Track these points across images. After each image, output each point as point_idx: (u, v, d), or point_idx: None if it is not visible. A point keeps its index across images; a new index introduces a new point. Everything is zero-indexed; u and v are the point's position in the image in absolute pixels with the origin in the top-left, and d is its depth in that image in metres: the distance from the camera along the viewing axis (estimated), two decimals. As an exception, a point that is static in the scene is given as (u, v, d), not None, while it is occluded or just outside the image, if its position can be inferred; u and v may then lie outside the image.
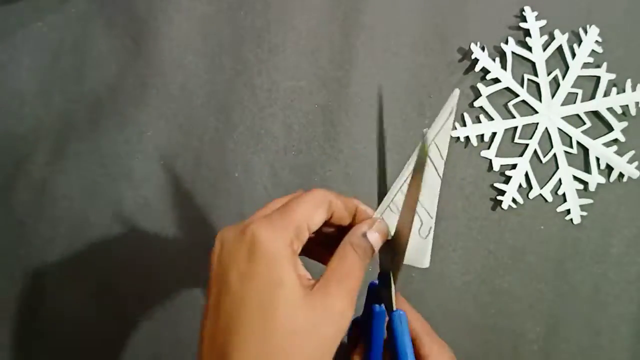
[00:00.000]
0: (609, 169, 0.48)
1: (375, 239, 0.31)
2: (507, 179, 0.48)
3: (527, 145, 0.48)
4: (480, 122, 0.48)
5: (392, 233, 0.33)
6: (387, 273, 0.34)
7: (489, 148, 0.48)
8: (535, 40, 0.48)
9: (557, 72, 0.48)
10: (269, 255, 0.27)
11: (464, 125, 0.48)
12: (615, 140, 0.48)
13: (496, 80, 0.48)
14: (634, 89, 0.48)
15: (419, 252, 0.34)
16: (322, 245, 0.33)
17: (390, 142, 0.48)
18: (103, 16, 0.49)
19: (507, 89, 0.48)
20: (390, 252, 0.33)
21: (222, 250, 0.29)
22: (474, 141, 0.48)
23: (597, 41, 0.48)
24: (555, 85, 0.49)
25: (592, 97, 0.49)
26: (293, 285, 0.27)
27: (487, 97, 0.48)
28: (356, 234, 0.31)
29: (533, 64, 0.48)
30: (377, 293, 0.36)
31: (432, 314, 0.47)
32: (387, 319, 0.35)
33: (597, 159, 0.48)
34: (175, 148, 0.48)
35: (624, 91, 0.48)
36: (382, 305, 0.36)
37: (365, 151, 0.48)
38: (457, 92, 0.32)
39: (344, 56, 0.48)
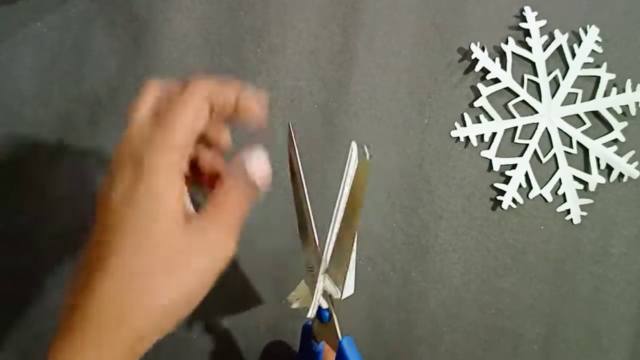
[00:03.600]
0: (609, 169, 0.48)
1: (259, 172, 0.29)
2: (507, 179, 0.48)
3: (527, 145, 0.48)
4: (480, 122, 0.48)
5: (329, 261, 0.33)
6: (326, 308, 0.34)
7: (489, 148, 0.48)
8: (535, 40, 0.48)
9: (557, 72, 0.48)
10: (152, 180, 0.26)
11: (464, 125, 0.48)
12: (615, 141, 0.48)
13: (496, 80, 0.48)
14: (634, 89, 0.48)
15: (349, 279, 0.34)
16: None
17: (391, 143, 0.48)
18: (103, 16, 0.49)
19: (507, 89, 0.48)
20: (331, 279, 0.33)
21: (112, 167, 0.28)
22: (474, 141, 0.48)
23: (597, 41, 0.48)
24: (555, 85, 0.49)
25: (592, 97, 0.49)
26: (174, 213, 0.26)
27: (487, 97, 0.48)
28: (239, 166, 0.29)
29: (533, 64, 0.48)
30: (311, 332, 0.36)
31: (432, 314, 0.47)
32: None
33: (597, 159, 0.48)
34: (175, 148, 0.48)
35: (624, 91, 0.48)
36: (322, 343, 0.36)
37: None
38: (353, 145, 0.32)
39: (344, 56, 0.48)
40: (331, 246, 0.32)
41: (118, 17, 0.49)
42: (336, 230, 0.32)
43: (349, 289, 0.34)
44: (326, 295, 0.33)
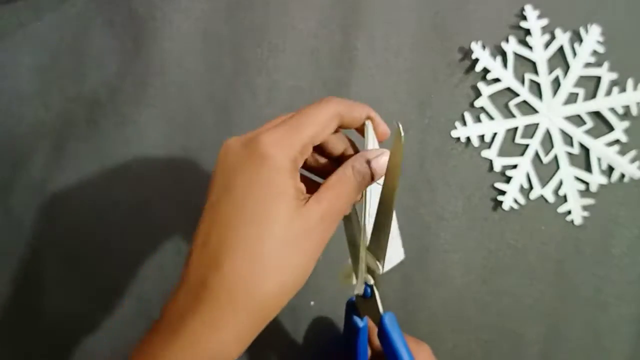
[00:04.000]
0: (611, 169, 0.48)
1: (379, 167, 0.31)
2: (508, 179, 0.48)
3: (528, 145, 0.48)
4: (480, 122, 0.48)
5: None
6: (369, 284, 0.34)
7: (489, 148, 0.48)
8: (537, 40, 0.48)
9: (558, 71, 0.48)
10: (273, 168, 0.28)
11: (465, 125, 0.48)
12: (617, 141, 0.48)
13: (497, 80, 0.48)
14: (635, 88, 0.48)
15: (393, 250, 0.34)
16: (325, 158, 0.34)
17: (391, 143, 0.48)
18: (102, 16, 0.48)
19: (508, 88, 0.48)
20: (372, 252, 0.34)
21: (227, 157, 0.30)
22: (474, 141, 0.48)
23: (598, 40, 0.48)
24: (556, 84, 0.48)
25: (594, 96, 0.48)
26: (291, 199, 0.28)
27: (488, 96, 0.48)
28: (360, 159, 0.31)
29: (534, 63, 0.48)
30: (355, 308, 0.37)
31: (433, 314, 0.47)
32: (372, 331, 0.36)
33: (599, 159, 0.48)
34: (175, 148, 0.48)
35: (625, 91, 0.48)
36: (365, 319, 0.36)
37: (366, 151, 0.48)
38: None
39: (344, 56, 0.48)
40: (370, 223, 0.33)
41: (117, 17, 0.49)
42: (373, 207, 0.32)
43: (392, 260, 0.34)
44: (370, 270, 0.34)
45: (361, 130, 0.33)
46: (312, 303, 0.47)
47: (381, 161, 0.31)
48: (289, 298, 0.28)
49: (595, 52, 0.48)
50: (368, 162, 0.31)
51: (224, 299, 0.27)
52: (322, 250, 0.29)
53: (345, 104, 0.31)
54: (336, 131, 0.32)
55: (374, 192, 0.33)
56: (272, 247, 0.27)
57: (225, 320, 0.27)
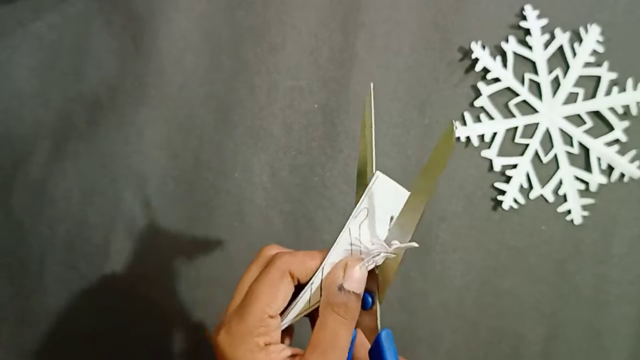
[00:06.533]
0: (610, 169, 0.48)
1: (355, 285, 0.29)
2: (508, 179, 0.48)
3: (527, 145, 0.48)
4: (480, 121, 0.48)
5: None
6: (371, 293, 0.31)
7: (489, 148, 0.48)
8: (536, 39, 0.48)
9: (558, 71, 0.48)
10: None
11: (465, 124, 0.48)
12: (617, 140, 0.48)
13: (497, 80, 0.48)
14: (635, 88, 0.48)
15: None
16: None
17: (391, 143, 0.48)
18: (102, 16, 0.48)
19: (508, 88, 0.48)
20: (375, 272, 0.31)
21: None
22: (474, 141, 0.48)
23: (598, 40, 0.48)
24: (556, 84, 0.48)
25: (593, 96, 0.48)
26: None
27: (488, 96, 0.48)
28: (331, 290, 0.29)
29: (534, 63, 0.48)
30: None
31: (433, 315, 0.47)
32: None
33: (599, 159, 0.48)
34: (175, 148, 0.48)
35: (625, 90, 0.48)
36: (355, 331, 0.32)
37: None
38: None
39: (344, 56, 0.48)
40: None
41: (117, 17, 0.49)
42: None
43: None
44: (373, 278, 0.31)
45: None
46: None
47: (355, 276, 0.29)
48: None
49: (594, 52, 0.48)
50: (340, 287, 0.28)
51: None
52: None
53: (295, 258, 0.30)
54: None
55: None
56: None
57: None
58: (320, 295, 0.30)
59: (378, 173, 0.31)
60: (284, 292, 0.30)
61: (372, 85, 0.29)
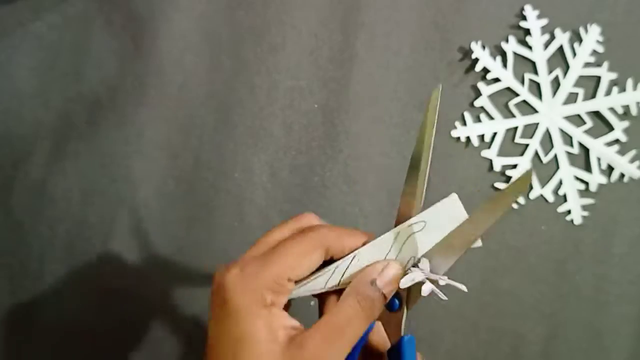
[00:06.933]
0: (610, 169, 0.48)
1: (386, 285, 0.28)
2: (508, 179, 0.48)
3: (527, 145, 0.48)
4: (480, 121, 0.48)
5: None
6: (399, 298, 0.31)
7: (489, 148, 0.48)
8: (536, 40, 0.48)
9: (558, 71, 0.48)
10: (235, 312, 0.27)
11: (465, 125, 0.48)
12: (617, 140, 0.48)
13: (497, 80, 0.48)
14: (635, 88, 0.48)
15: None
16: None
17: (391, 143, 0.48)
18: (102, 16, 0.48)
19: (508, 88, 0.48)
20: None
21: (210, 303, 0.29)
22: (474, 141, 0.48)
23: (598, 40, 0.48)
24: (556, 84, 0.48)
25: (593, 96, 0.48)
26: (259, 341, 0.26)
27: (488, 96, 0.48)
28: (362, 281, 0.28)
29: (534, 63, 0.48)
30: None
31: (433, 314, 0.47)
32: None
33: (598, 159, 0.48)
34: (175, 148, 0.48)
35: (625, 91, 0.48)
36: (373, 324, 0.32)
37: (365, 151, 0.48)
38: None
39: (344, 56, 0.48)
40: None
41: (117, 17, 0.49)
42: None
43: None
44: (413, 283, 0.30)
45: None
46: (312, 303, 0.47)
47: (389, 277, 0.28)
48: None
49: (594, 52, 0.48)
50: (373, 282, 0.28)
51: None
52: None
53: (334, 233, 0.29)
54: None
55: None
56: None
57: None
58: (339, 281, 0.29)
59: (454, 195, 0.31)
60: (310, 263, 0.28)
61: (440, 87, 0.29)
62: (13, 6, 0.48)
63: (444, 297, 0.28)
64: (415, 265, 0.29)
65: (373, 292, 0.27)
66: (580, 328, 0.47)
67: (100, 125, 0.48)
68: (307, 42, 0.48)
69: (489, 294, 0.47)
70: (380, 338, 0.32)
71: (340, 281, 0.29)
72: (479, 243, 0.30)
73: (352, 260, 0.29)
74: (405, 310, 0.30)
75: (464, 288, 0.28)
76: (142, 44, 0.48)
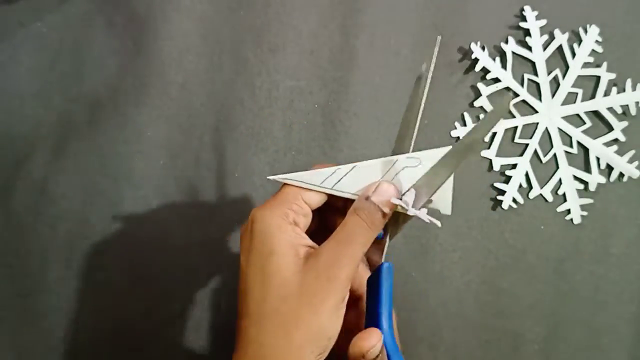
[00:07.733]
0: (609, 168, 0.48)
1: (381, 199, 0.31)
2: (507, 179, 0.48)
3: (527, 145, 0.48)
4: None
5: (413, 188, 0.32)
6: (384, 228, 0.33)
7: (489, 148, 0.48)
8: (536, 40, 0.48)
9: (557, 71, 0.48)
10: (261, 231, 0.30)
11: (464, 125, 0.48)
12: (616, 140, 0.48)
13: (496, 80, 0.48)
14: (634, 88, 0.48)
15: (440, 197, 0.34)
16: None
17: (390, 143, 0.48)
18: (102, 16, 0.49)
19: (507, 88, 0.48)
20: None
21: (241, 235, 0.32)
22: (474, 141, 0.48)
23: (597, 41, 0.48)
24: (555, 84, 0.48)
25: (592, 96, 0.48)
26: (284, 254, 0.29)
27: (487, 96, 0.48)
28: (359, 199, 0.31)
29: (533, 63, 0.48)
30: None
31: (432, 314, 0.47)
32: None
33: (598, 159, 0.48)
34: (175, 148, 0.48)
35: (624, 91, 0.48)
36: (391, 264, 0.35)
37: (365, 151, 0.48)
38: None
39: (344, 56, 0.48)
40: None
41: (118, 17, 0.49)
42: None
43: (437, 204, 0.34)
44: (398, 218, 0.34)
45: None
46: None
47: (381, 191, 0.31)
48: (312, 354, 0.29)
49: (594, 52, 0.48)
50: (367, 198, 0.31)
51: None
52: (336, 300, 0.29)
53: None
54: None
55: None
56: (272, 304, 0.29)
57: None
58: (335, 184, 0.33)
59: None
60: (319, 195, 0.33)
61: (439, 37, 0.32)
62: (13, 6, 0.48)
63: (427, 220, 0.32)
64: (404, 194, 0.33)
65: (369, 205, 0.31)
66: (579, 327, 0.47)
67: (100, 125, 0.48)
68: (307, 42, 0.49)
69: (489, 293, 0.47)
70: (360, 286, 0.35)
71: (335, 185, 0.33)
72: (448, 210, 0.34)
73: (351, 170, 0.33)
74: (387, 238, 0.33)
75: (438, 223, 0.32)
76: (143, 44, 0.48)
